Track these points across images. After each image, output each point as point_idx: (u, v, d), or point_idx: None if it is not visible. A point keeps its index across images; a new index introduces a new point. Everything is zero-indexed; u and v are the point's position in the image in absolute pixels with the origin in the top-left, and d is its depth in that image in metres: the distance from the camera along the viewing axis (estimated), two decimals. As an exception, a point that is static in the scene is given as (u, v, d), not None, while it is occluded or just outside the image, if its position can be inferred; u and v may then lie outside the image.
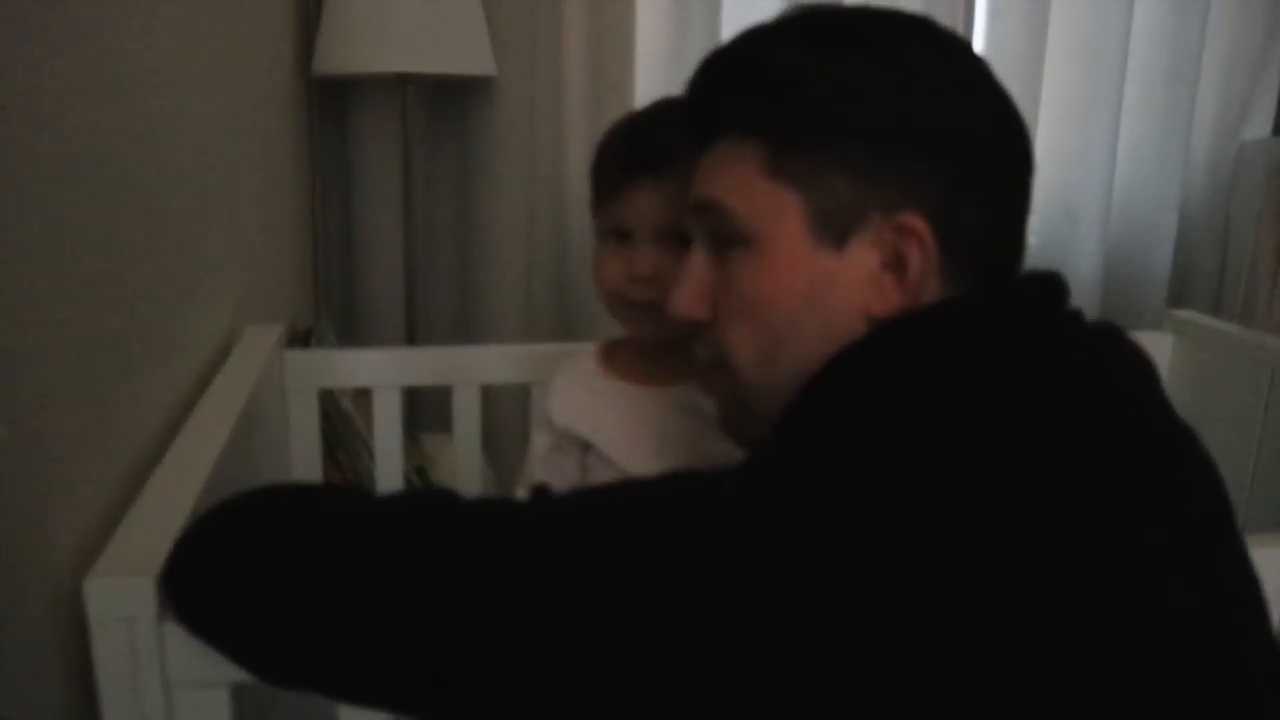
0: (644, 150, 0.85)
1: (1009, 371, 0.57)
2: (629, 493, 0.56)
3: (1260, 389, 1.23)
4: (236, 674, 0.62)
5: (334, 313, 1.97)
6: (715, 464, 0.58)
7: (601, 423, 0.93)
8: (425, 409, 1.89)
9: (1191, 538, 0.55)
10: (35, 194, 0.60)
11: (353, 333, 1.98)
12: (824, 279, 0.63)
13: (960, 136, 0.62)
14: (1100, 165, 2.08)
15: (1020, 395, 0.56)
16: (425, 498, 0.59)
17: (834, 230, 0.62)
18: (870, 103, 0.62)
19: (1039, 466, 0.53)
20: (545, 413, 0.98)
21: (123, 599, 0.60)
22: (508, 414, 1.86)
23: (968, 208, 0.62)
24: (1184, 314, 1.43)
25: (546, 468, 0.96)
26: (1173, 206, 2.13)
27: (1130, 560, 0.51)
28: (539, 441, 0.98)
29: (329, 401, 1.46)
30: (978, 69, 0.65)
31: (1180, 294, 2.20)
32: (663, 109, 0.89)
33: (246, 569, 0.57)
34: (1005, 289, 0.63)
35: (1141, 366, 0.62)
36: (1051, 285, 0.63)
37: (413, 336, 1.90)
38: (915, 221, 0.61)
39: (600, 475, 0.91)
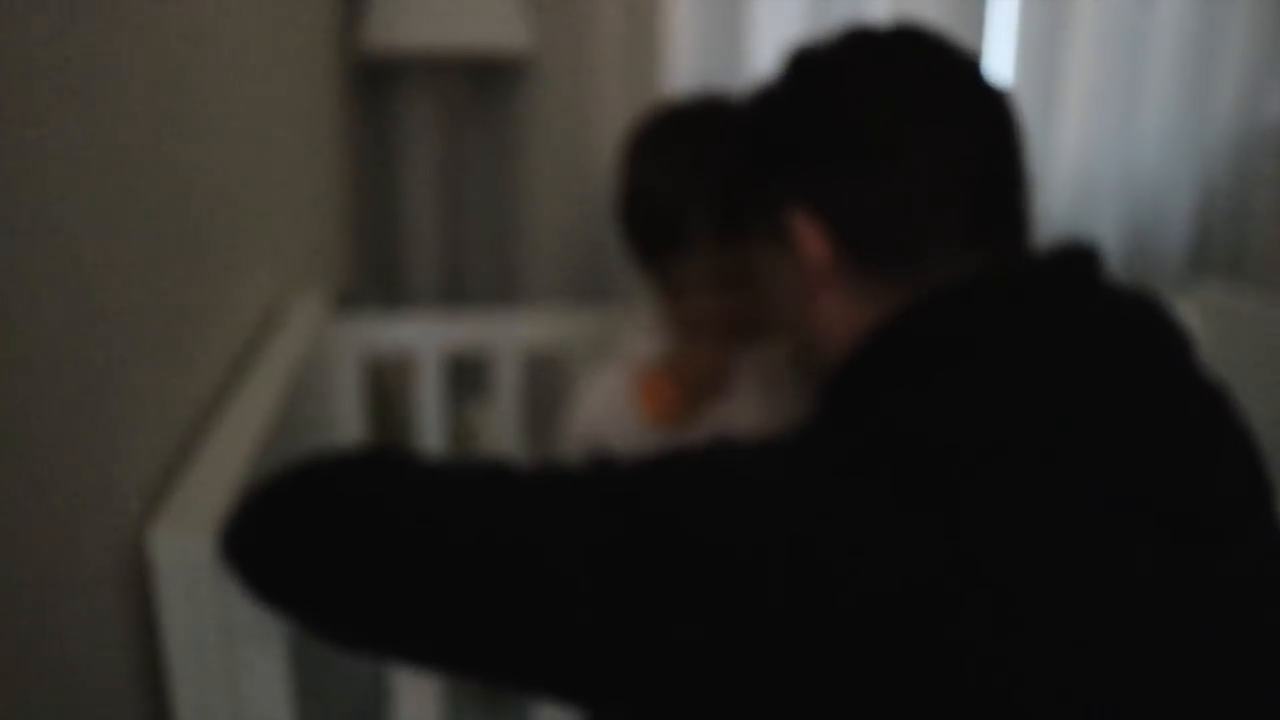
0: (671, 223, 0.89)
1: (1041, 341, 0.58)
2: (689, 472, 0.56)
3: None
4: (292, 627, 0.64)
5: (375, 283, 2.00)
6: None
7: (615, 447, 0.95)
8: (466, 377, 1.91)
9: (1224, 503, 0.56)
10: (96, 168, 0.61)
11: (395, 303, 2.00)
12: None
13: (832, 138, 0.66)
14: (1120, 143, 2.08)
15: (1051, 364, 0.56)
16: (480, 470, 0.60)
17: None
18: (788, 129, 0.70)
19: (1077, 437, 0.53)
20: (568, 417, 1.01)
21: (185, 548, 0.62)
22: (549, 381, 1.87)
23: (864, 199, 0.65)
24: (1205, 284, 1.43)
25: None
26: (1192, 183, 2.14)
27: (1163, 525, 0.52)
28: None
29: (373, 374, 1.49)
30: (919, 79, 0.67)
31: (1200, 268, 2.20)
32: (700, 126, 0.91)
33: (307, 540, 0.58)
34: (1037, 259, 0.64)
35: (1176, 332, 0.62)
36: (1084, 255, 0.63)
37: (453, 307, 1.93)
38: (795, 216, 0.67)
39: None
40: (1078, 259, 0.63)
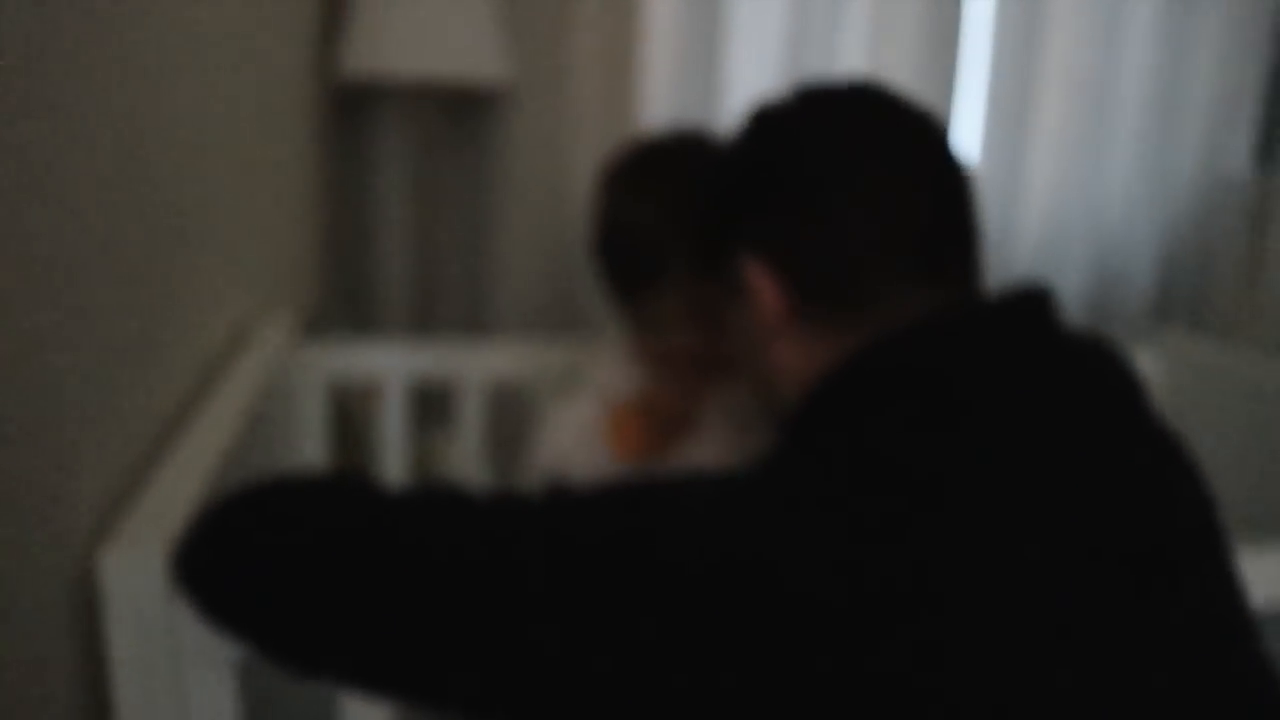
0: (649, 260, 0.91)
1: (993, 377, 0.59)
2: (648, 500, 0.57)
3: (1243, 406, 1.24)
4: (244, 652, 0.63)
5: (344, 308, 1.99)
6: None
7: (581, 478, 0.96)
8: (431, 406, 1.90)
9: (1175, 546, 0.57)
10: (51, 183, 0.61)
11: (363, 331, 2.00)
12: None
13: (776, 189, 0.70)
14: (1087, 192, 2.14)
15: (1003, 400, 0.57)
16: (439, 494, 0.60)
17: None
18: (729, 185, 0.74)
19: (1030, 472, 0.54)
20: (535, 444, 1.01)
21: (135, 572, 0.61)
22: (512, 414, 1.87)
23: (813, 250, 0.68)
24: (1169, 331, 1.45)
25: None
26: (1157, 233, 2.20)
27: (1114, 565, 0.53)
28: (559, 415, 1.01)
29: (336, 400, 1.48)
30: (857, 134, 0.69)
31: (1163, 315, 2.25)
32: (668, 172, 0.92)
33: (263, 562, 0.58)
34: (990, 300, 0.65)
35: (1129, 376, 0.63)
36: (1036, 296, 0.65)
37: (421, 335, 1.93)
38: (752, 266, 0.71)
39: None
40: (1030, 299, 0.65)
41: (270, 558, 0.57)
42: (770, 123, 0.73)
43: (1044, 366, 0.60)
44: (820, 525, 0.52)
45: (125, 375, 0.73)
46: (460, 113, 1.97)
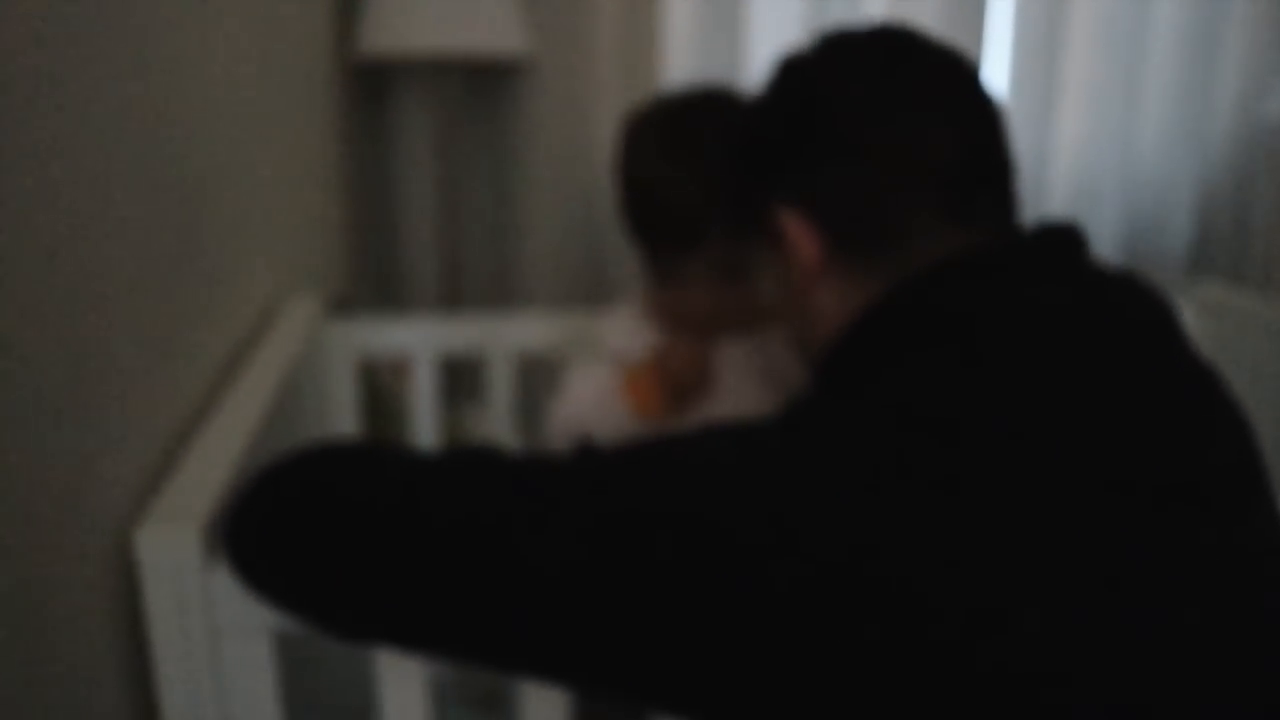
0: (691, 226, 0.91)
1: (1025, 315, 0.59)
2: (683, 456, 0.56)
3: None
4: (279, 621, 0.65)
5: (372, 287, 2.00)
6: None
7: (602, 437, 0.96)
8: (461, 381, 1.92)
9: (1212, 480, 0.56)
10: (83, 171, 0.62)
11: (391, 305, 2.01)
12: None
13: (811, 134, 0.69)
14: (1119, 143, 2.08)
15: (1042, 339, 0.57)
16: (478, 459, 0.61)
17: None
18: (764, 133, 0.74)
19: (1062, 412, 0.54)
20: (554, 407, 1.01)
21: (171, 547, 0.62)
22: (544, 386, 1.88)
23: (845, 193, 0.68)
24: (1204, 284, 1.43)
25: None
26: (1192, 183, 2.13)
27: (1148, 500, 0.52)
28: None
29: (367, 373, 1.49)
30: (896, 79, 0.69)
31: (1199, 268, 2.20)
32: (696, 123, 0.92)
33: (310, 530, 0.58)
34: (1019, 238, 0.65)
35: (1163, 311, 0.63)
36: (1070, 233, 0.65)
37: (449, 309, 1.93)
38: (786, 215, 0.70)
39: None
40: (1060, 236, 0.65)
41: (303, 525, 0.58)
42: (796, 71, 0.73)
43: (1073, 304, 0.60)
44: (852, 470, 0.51)
45: (156, 357, 0.74)
46: (482, 85, 1.96)
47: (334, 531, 0.57)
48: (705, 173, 0.89)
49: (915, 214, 0.66)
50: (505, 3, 1.74)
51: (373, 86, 1.95)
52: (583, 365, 1.04)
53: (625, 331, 1.02)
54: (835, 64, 0.71)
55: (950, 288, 0.61)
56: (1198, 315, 1.35)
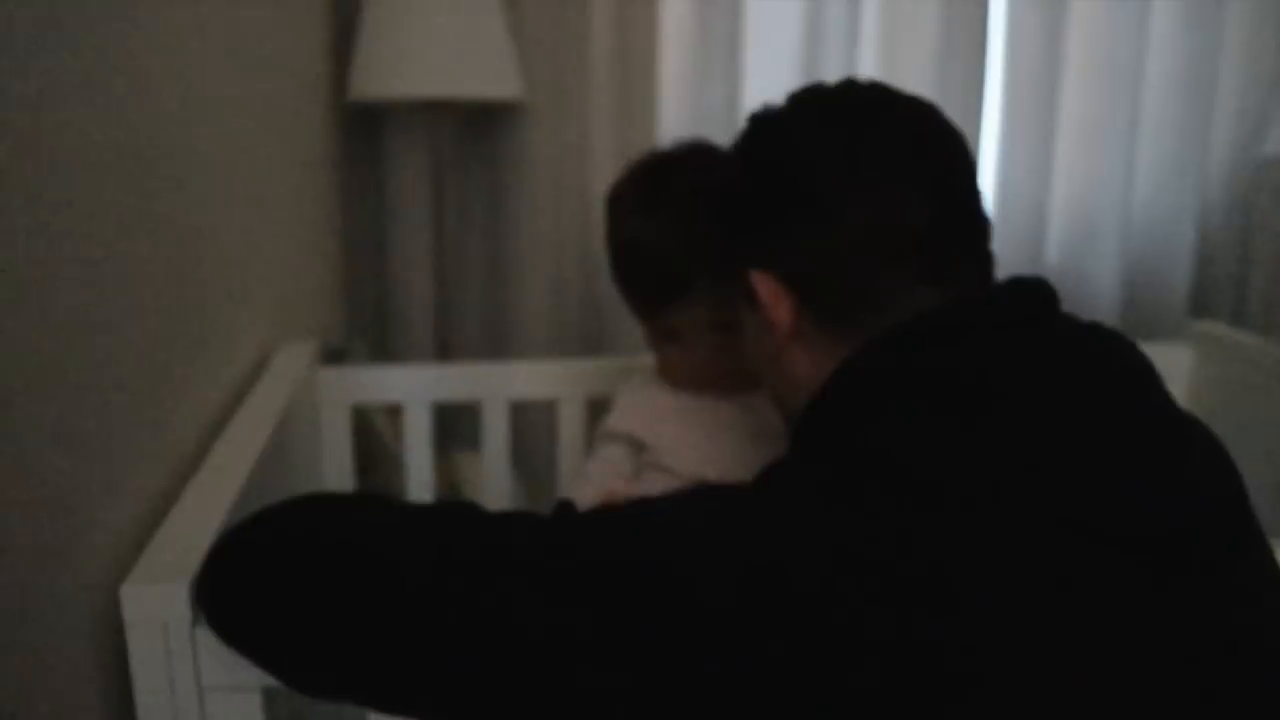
0: (672, 278, 0.90)
1: (1005, 371, 0.58)
2: (652, 514, 0.57)
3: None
4: (267, 678, 0.64)
5: (366, 333, 2.00)
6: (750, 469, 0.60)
7: (655, 426, 0.97)
8: (457, 428, 1.91)
9: (1197, 531, 0.55)
10: (77, 215, 0.62)
11: (384, 352, 2.00)
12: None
13: (796, 204, 0.68)
14: (1117, 182, 2.08)
15: (1018, 394, 0.57)
16: (450, 511, 0.61)
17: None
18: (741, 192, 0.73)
19: (1038, 464, 0.54)
20: (604, 428, 1.01)
21: (158, 604, 0.62)
22: (537, 431, 1.87)
23: (816, 259, 0.68)
24: (1204, 325, 1.43)
25: (594, 457, 0.99)
26: (1191, 221, 2.12)
27: (1131, 553, 0.52)
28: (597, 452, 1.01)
29: (362, 421, 1.49)
30: (868, 138, 0.69)
31: (1200, 308, 2.19)
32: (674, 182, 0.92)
33: (279, 582, 0.58)
34: (987, 293, 0.65)
35: (1137, 360, 0.63)
36: (1041, 287, 0.65)
37: (443, 356, 1.93)
38: (760, 278, 0.70)
39: (651, 476, 0.95)
40: (1030, 291, 0.65)
41: (278, 580, 0.58)
42: (767, 133, 0.73)
43: (1048, 356, 0.60)
44: (823, 527, 0.51)
45: (145, 408, 0.73)
46: (477, 127, 1.97)
47: (304, 588, 0.57)
48: (682, 223, 0.89)
49: (888, 278, 0.66)
50: (497, 47, 1.75)
51: (367, 126, 1.96)
52: (630, 383, 1.04)
53: (632, 407, 1.01)
54: (804, 128, 0.71)
55: (922, 346, 0.61)
56: (1197, 354, 1.35)
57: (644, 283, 0.94)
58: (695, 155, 0.93)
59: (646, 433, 0.97)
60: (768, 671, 0.48)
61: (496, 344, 2.03)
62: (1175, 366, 1.38)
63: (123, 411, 0.69)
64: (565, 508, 0.61)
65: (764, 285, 0.70)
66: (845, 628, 0.48)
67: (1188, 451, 0.59)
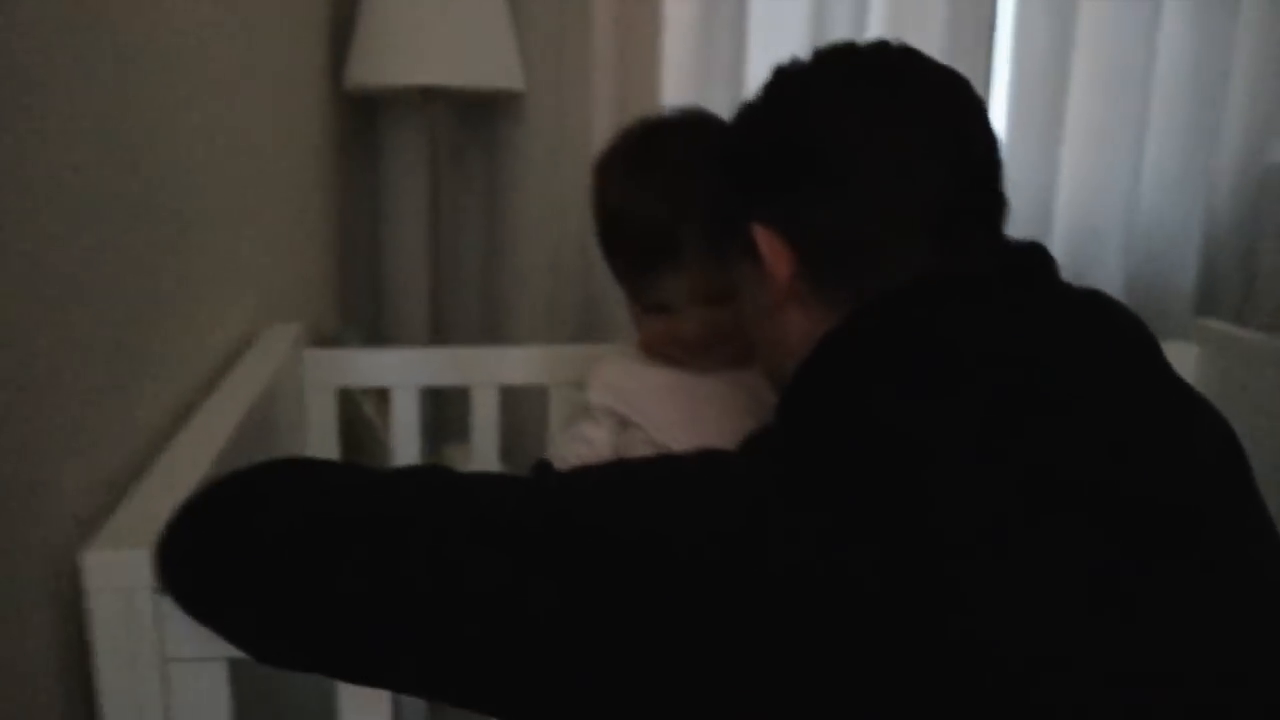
0: (662, 244, 0.87)
1: (993, 332, 0.57)
2: (630, 477, 0.56)
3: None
4: (234, 650, 0.62)
5: (361, 321, 1.99)
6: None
7: (640, 402, 0.93)
8: (447, 420, 1.89)
9: (1201, 497, 0.54)
10: (64, 191, 0.61)
11: (379, 340, 1.99)
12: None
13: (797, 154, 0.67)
14: (1124, 184, 2.06)
15: (1003, 356, 0.55)
16: (421, 475, 0.59)
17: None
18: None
19: (1023, 426, 0.52)
20: (581, 399, 0.98)
21: (120, 571, 0.60)
22: (527, 419, 1.85)
23: (822, 216, 0.66)
24: (1210, 323, 1.41)
25: (572, 436, 0.96)
26: (1198, 224, 2.11)
27: (1134, 520, 0.50)
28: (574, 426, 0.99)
29: (350, 406, 1.47)
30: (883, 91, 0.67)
31: (1205, 311, 2.17)
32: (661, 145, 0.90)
33: (242, 546, 0.57)
34: (980, 258, 0.63)
35: (1137, 326, 0.61)
36: (1035, 252, 0.64)
37: (438, 345, 1.91)
38: (763, 234, 0.67)
39: (636, 451, 0.92)
40: (1023, 254, 0.64)
41: (244, 547, 0.56)
42: (788, 87, 0.71)
43: (1036, 317, 0.58)
44: (803, 492, 0.50)
45: (117, 381, 0.72)
46: (476, 117, 1.96)
47: (267, 552, 0.55)
48: (674, 188, 0.86)
49: (893, 244, 0.64)
50: (499, 37, 1.74)
51: (367, 115, 1.95)
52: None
53: (616, 381, 0.98)
54: (828, 83, 0.69)
55: (907, 309, 0.60)
56: (1203, 352, 1.33)
57: (632, 249, 0.91)
58: (689, 121, 0.91)
59: (632, 409, 0.94)
60: (748, 637, 0.47)
61: (492, 334, 2.02)
62: (1181, 364, 1.35)
63: (95, 380, 0.67)
64: (542, 468, 0.59)
65: (765, 240, 0.68)
66: (826, 593, 0.46)
67: (1191, 416, 0.57)
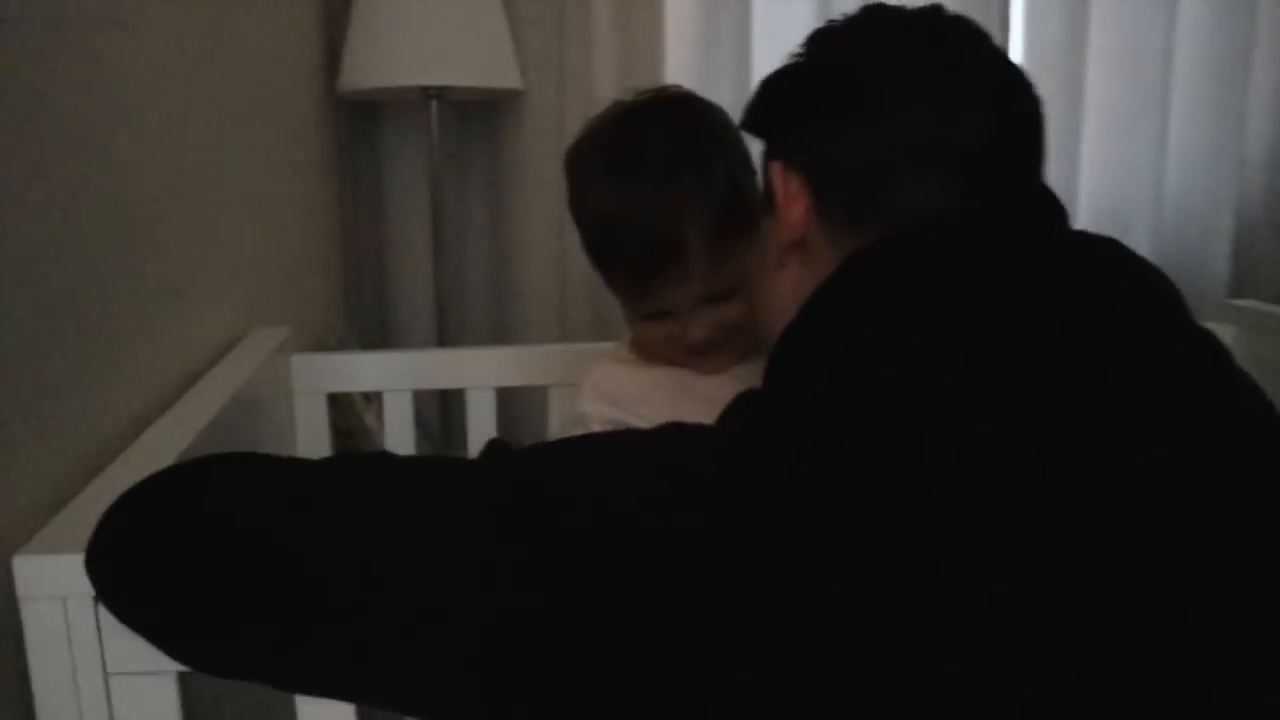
0: (663, 252, 0.81)
1: (1003, 279, 0.53)
2: (595, 448, 0.52)
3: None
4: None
5: (365, 326, 1.97)
6: None
7: (639, 405, 0.89)
8: (452, 433, 1.87)
9: (1236, 453, 0.48)
10: (48, 192, 0.61)
11: (384, 345, 1.97)
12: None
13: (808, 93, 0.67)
14: (1150, 170, 2.01)
15: (1004, 303, 0.52)
16: (369, 463, 0.55)
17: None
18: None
19: (1020, 380, 0.48)
20: (574, 409, 0.94)
21: (54, 577, 0.57)
22: (525, 422, 1.82)
23: (841, 155, 0.64)
24: (1244, 303, 1.35)
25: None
26: (1228, 206, 2.04)
27: (1160, 484, 0.45)
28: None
29: (350, 416, 1.44)
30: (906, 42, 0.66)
31: (1239, 294, 2.10)
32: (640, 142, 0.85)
33: (176, 543, 0.53)
34: (977, 206, 0.60)
35: (1155, 274, 0.57)
36: (1044, 201, 0.62)
37: (445, 347, 1.89)
38: (783, 174, 0.66)
39: None
40: (1027, 201, 0.61)
41: (183, 542, 0.53)
42: (830, 36, 0.70)
43: (1037, 264, 0.55)
44: (783, 450, 0.46)
45: (85, 375, 0.69)
46: (477, 118, 1.94)
47: (203, 550, 0.52)
48: (665, 185, 0.80)
49: (914, 182, 0.62)
50: (496, 37, 1.72)
51: (366, 118, 1.93)
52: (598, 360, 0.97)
53: (610, 386, 0.93)
54: (873, 30, 0.68)
55: (895, 259, 0.57)
56: (1239, 332, 1.28)
57: (629, 260, 0.84)
58: (663, 102, 0.87)
59: (630, 413, 0.89)
60: (725, 599, 0.43)
61: (498, 336, 1.99)
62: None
63: (51, 383, 0.65)
64: (496, 446, 0.55)
65: (782, 178, 0.66)
66: (809, 548, 0.42)
67: (1210, 364, 0.53)
